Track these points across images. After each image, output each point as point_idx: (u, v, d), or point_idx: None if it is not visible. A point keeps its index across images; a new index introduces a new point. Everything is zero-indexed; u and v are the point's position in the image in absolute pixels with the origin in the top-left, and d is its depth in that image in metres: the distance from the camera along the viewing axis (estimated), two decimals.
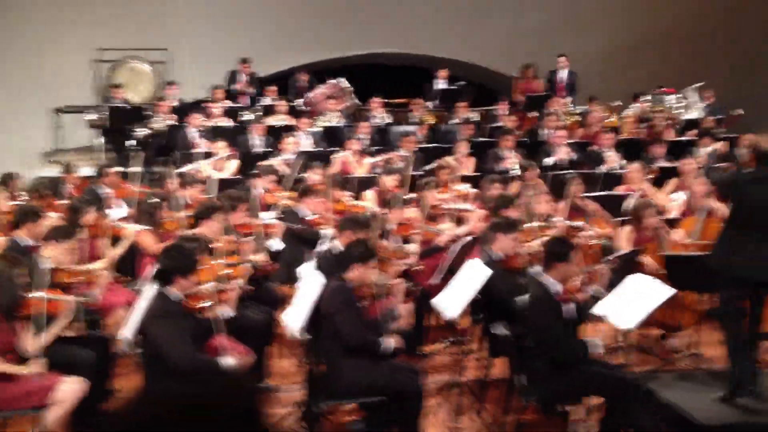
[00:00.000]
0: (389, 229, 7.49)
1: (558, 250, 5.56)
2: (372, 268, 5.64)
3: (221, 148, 10.73)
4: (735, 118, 13.63)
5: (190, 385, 1.40)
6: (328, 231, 7.74)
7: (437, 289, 6.57)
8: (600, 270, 6.36)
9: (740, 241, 5.78)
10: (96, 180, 9.74)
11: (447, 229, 8.25)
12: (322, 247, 7.11)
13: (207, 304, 5.40)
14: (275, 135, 11.88)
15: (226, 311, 5.57)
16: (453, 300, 6.07)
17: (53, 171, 11.77)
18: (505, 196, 8.06)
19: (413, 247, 7.66)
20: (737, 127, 12.92)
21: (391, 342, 5.50)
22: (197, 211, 7.06)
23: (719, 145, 11.57)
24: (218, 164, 10.71)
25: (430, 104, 14.55)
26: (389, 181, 9.18)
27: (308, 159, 10.64)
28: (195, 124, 11.99)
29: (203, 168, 10.17)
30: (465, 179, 10.28)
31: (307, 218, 8.00)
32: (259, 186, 9.29)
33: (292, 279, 7.58)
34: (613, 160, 11.30)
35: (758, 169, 5.83)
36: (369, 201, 9.13)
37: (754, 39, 16.97)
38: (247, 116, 13.10)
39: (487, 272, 5.95)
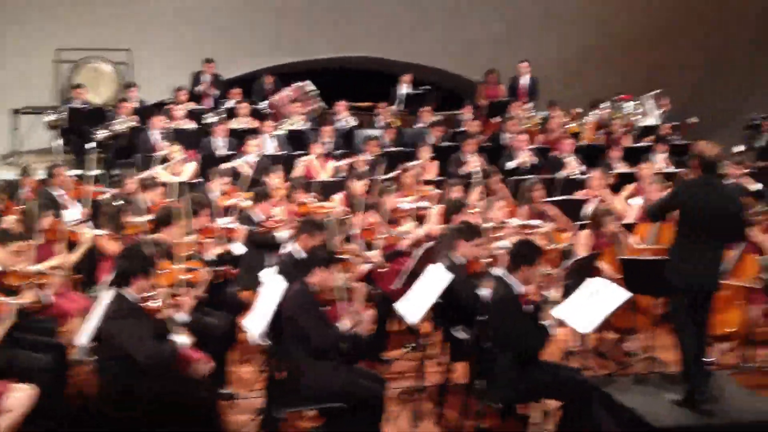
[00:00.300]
0: (353, 234, 7.51)
1: (526, 253, 5.63)
2: (334, 273, 5.66)
3: (176, 151, 10.64)
4: (690, 126, 13.84)
5: (150, 390, 1.41)
6: (284, 233, 7.77)
7: (399, 294, 6.60)
8: (556, 274, 6.45)
9: (684, 251, 5.88)
10: (48, 182, 9.60)
11: (408, 230, 8.28)
12: (284, 250, 7.12)
13: (158, 303, 5.40)
14: (239, 137, 11.84)
15: (182, 316, 5.56)
16: (415, 305, 6.10)
17: (10, 173, 11.62)
18: (456, 201, 8.11)
19: (375, 253, 7.68)
20: (692, 135, 13.12)
21: (347, 323, 5.50)
22: (157, 215, 7.02)
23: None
24: (174, 168, 10.63)
25: (394, 108, 14.59)
26: (358, 186, 9.19)
27: (271, 162, 10.63)
28: (157, 126, 11.90)
29: (159, 174, 10.09)
30: (428, 183, 10.35)
31: (261, 222, 7.99)
32: (215, 189, 9.28)
33: (252, 284, 7.59)
34: (573, 165, 11.42)
35: (702, 177, 5.93)
36: (336, 205, 9.16)
37: (708, 49, 17.22)
38: (211, 118, 13.03)
39: (449, 277, 5.99)
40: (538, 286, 5.89)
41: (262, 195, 8.19)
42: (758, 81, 17.54)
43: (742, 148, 12.83)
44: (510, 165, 11.44)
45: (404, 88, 15.11)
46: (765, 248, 7.45)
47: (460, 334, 5.96)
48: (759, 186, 10.20)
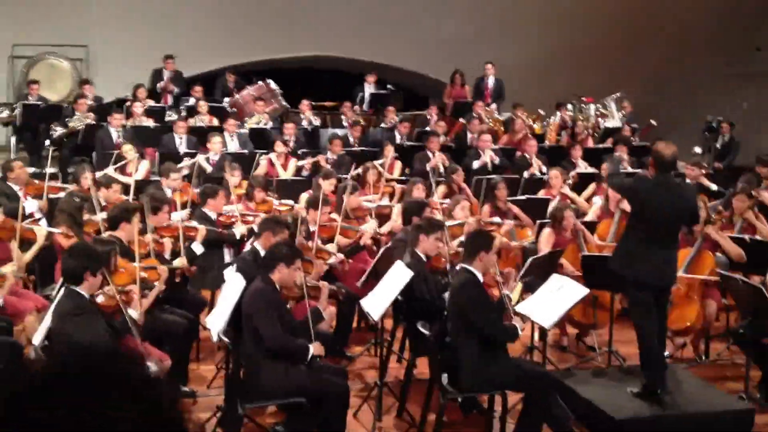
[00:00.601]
0: (312, 231, 7.50)
1: (481, 241, 5.69)
2: (297, 270, 5.64)
3: (127, 151, 10.53)
4: (649, 128, 14.03)
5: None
6: (239, 229, 7.76)
7: (363, 291, 6.61)
8: (509, 272, 6.52)
9: (640, 248, 5.94)
10: (3, 177, 9.42)
11: (368, 226, 8.28)
12: (246, 248, 7.09)
13: (110, 300, 5.35)
14: (200, 135, 11.77)
15: (133, 313, 5.52)
16: (377, 302, 6.11)
17: None
18: (417, 202, 8.09)
19: (333, 248, 7.69)
20: (652, 137, 13.29)
21: (314, 348, 5.49)
22: (113, 213, 6.93)
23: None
24: (127, 168, 10.52)
25: (358, 108, 14.62)
26: (326, 185, 9.17)
27: (232, 160, 10.58)
28: (115, 124, 11.78)
29: (111, 174, 9.96)
30: (391, 182, 10.37)
31: (212, 220, 7.94)
32: (166, 187, 9.22)
33: (210, 282, 7.56)
34: (536, 165, 11.52)
35: (657, 177, 6.00)
36: (303, 203, 9.14)
37: (668, 53, 17.45)
38: (172, 116, 12.93)
39: (409, 274, 6.01)
40: (496, 281, 5.96)
41: (211, 193, 8.11)
42: (715, 84, 17.81)
43: (699, 149, 13.04)
44: (475, 165, 11.51)
45: (369, 88, 15.13)
46: (722, 245, 7.55)
47: (423, 329, 5.97)
48: (716, 187, 10.35)
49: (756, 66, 17.29)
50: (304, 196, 9.28)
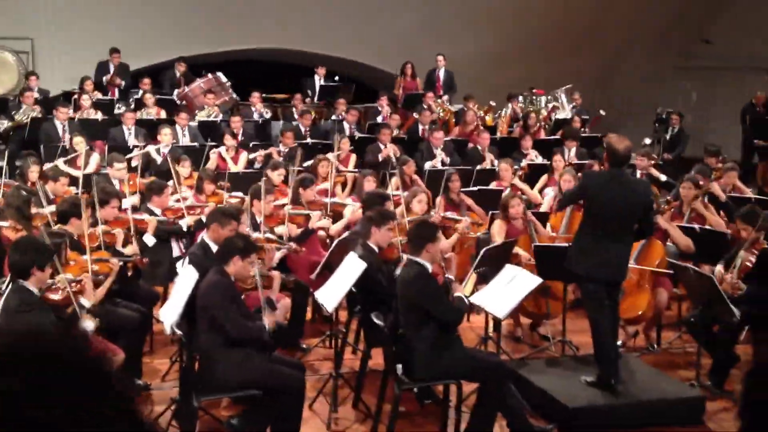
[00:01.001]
0: (259, 221, 7.43)
1: (426, 233, 5.67)
2: (252, 263, 5.61)
3: (78, 143, 10.35)
4: (597, 119, 14.19)
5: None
6: (185, 220, 7.69)
7: (317, 283, 6.58)
8: (450, 258, 6.56)
9: (593, 243, 6.00)
10: None
11: (316, 218, 8.24)
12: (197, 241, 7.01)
13: (60, 293, 5.26)
14: (149, 128, 11.62)
15: (85, 302, 5.43)
16: (332, 294, 6.10)
17: None
18: (379, 194, 8.07)
19: (283, 230, 7.67)
20: (601, 128, 13.45)
21: (267, 322, 5.46)
22: (63, 207, 6.81)
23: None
24: (77, 161, 10.35)
25: (309, 101, 14.55)
26: (275, 176, 9.11)
27: (182, 152, 10.47)
28: (61, 117, 11.57)
29: (61, 167, 9.79)
30: (344, 173, 10.34)
31: (158, 215, 7.84)
32: (113, 177, 9.09)
33: (161, 277, 7.48)
34: (488, 157, 11.57)
35: (610, 171, 6.05)
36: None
37: (617, 45, 17.66)
38: (120, 108, 12.74)
39: (363, 266, 6.00)
40: (441, 266, 5.99)
41: (156, 189, 8.01)
42: (665, 76, 18.09)
43: (649, 141, 13.22)
44: (427, 165, 11.47)
45: (319, 80, 15.07)
46: (671, 235, 7.66)
47: (377, 320, 5.96)
48: (665, 177, 10.50)
49: (705, 59, 17.58)
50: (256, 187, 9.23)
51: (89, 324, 5.25)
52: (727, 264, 6.69)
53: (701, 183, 8.56)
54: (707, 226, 7.91)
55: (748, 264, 6.56)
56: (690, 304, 7.57)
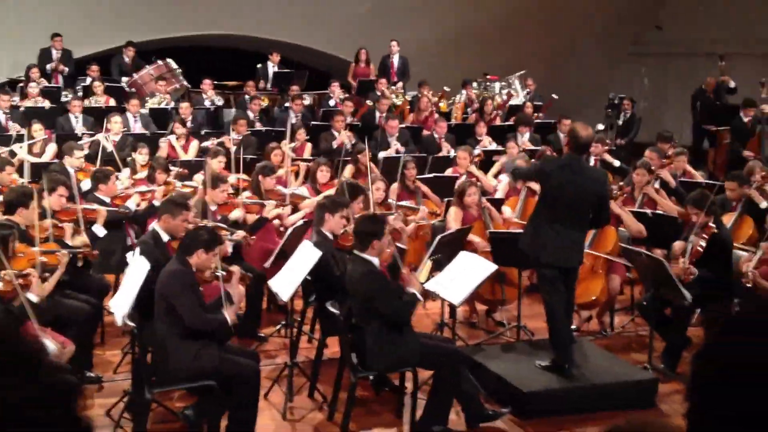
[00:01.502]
0: (212, 210, 7.35)
1: (372, 230, 5.63)
2: (215, 256, 5.54)
3: (37, 131, 10.14)
4: (550, 103, 14.26)
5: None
6: (132, 200, 7.62)
7: (272, 272, 6.53)
8: (401, 229, 6.55)
9: (548, 229, 6.02)
10: None
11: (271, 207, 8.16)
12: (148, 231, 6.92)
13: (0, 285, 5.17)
14: (97, 116, 11.42)
15: (32, 297, 5.33)
16: (286, 282, 6.05)
17: None
18: (353, 185, 7.96)
19: (238, 214, 7.61)
20: (552, 113, 13.51)
21: (228, 316, 5.42)
22: (9, 197, 6.66)
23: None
24: (34, 148, 10.16)
25: (262, 84, 14.42)
26: (215, 164, 9.03)
27: (133, 140, 10.32)
28: (3, 105, 11.33)
29: (18, 152, 9.61)
30: (297, 161, 10.26)
31: (107, 204, 7.73)
32: (69, 166, 8.94)
33: (112, 267, 7.37)
34: (443, 144, 11.57)
35: (568, 157, 6.06)
36: (198, 183, 8.96)
37: (570, 30, 17.76)
38: (67, 96, 12.51)
39: (317, 254, 5.96)
40: (389, 255, 5.99)
41: (102, 178, 7.88)
42: (618, 62, 18.25)
43: (602, 126, 13.32)
44: (382, 155, 11.44)
45: (272, 67, 14.94)
46: (624, 220, 7.72)
47: (332, 308, 5.93)
48: (618, 163, 10.59)
49: (657, 44, 17.76)
50: (199, 177, 9.14)
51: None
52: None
53: (653, 168, 8.65)
54: (659, 211, 8.00)
55: (699, 249, 6.64)
56: (642, 288, 7.65)
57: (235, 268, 6.09)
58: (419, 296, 5.63)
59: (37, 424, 1.17)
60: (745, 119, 12.19)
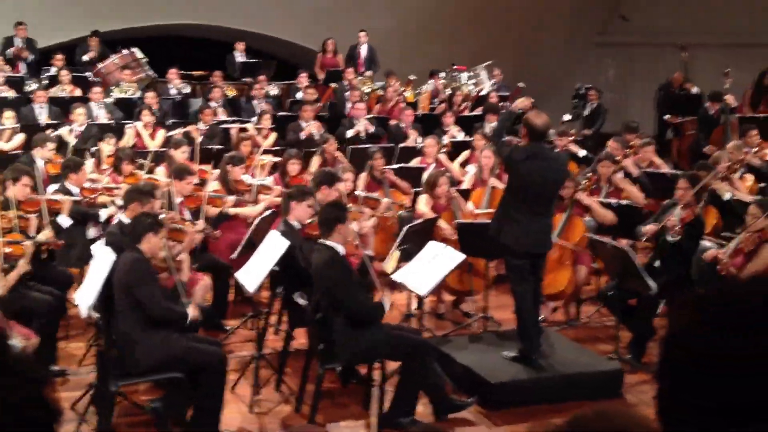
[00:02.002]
0: (177, 202, 7.27)
1: (335, 214, 5.64)
2: (163, 238, 5.49)
3: (8, 118, 9.98)
4: (517, 91, 14.28)
5: None
6: (107, 210, 7.50)
7: (239, 263, 6.49)
8: (366, 234, 6.56)
9: (517, 216, 6.04)
10: None
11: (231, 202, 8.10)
12: (114, 221, 6.84)
13: None
14: (63, 105, 11.26)
15: None
16: (253, 274, 6.01)
17: None
18: (329, 173, 7.90)
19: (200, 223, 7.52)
20: None
21: (191, 312, 5.38)
22: None
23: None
24: (3, 137, 10.01)
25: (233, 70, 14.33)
26: (179, 155, 8.94)
27: (98, 130, 10.18)
28: None
29: None
30: (265, 152, 10.19)
31: (75, 194, 7.63)
32: (39, 158, 8.81)
33: (75, 259, 7.28)
34: (410, 134, 11.57)
35: (531, 146, 6.09)
36: (160, 175, 8.88)
37: (535, 21, 17.79)
38: (31, 86, 12.32)
39: (285, 244, 5.92)
40: (355, 246, 5.97)
41: (73, 167, 7.78)
42: (584, 53, 18.33)
43: (569, 117, 13.38)
44: (349, 134, 11.46)
45: (239, 57, 14.83)
46: (593, 210, 7.73)
47: (300, 299, 5.91)
48: (584, 152, 10.65)
49: (622, 35, 17.87)
50: (161, 169, 9.06)
51: None
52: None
53: (617, 158, 8.72)
54: (623, 201, 8.06)
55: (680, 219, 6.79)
56: (609, 279, 7.71)
57: (184, 257, 6.04)
58: (386, 308, 5.61)
59: (8, 410, 1.16)
60: (711, 110, 12.30)
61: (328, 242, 5.56)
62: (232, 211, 7.96)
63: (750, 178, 8.97)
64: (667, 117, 13.76)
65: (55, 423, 1.27)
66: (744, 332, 1.10)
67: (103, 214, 7.56)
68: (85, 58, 13.81)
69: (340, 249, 5.58)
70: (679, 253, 6.76)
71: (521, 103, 6.61)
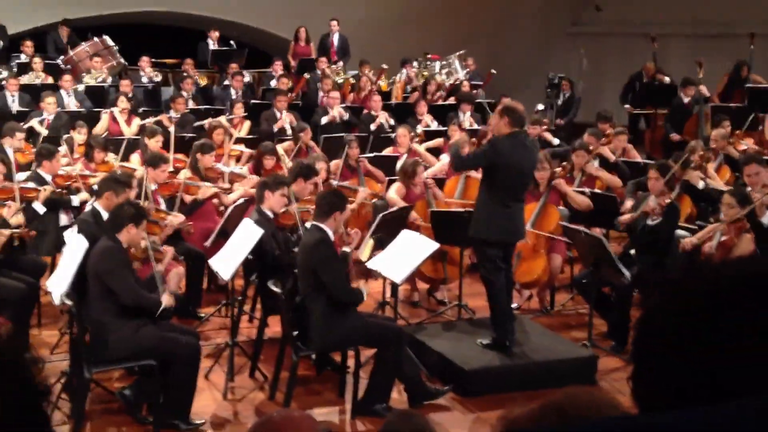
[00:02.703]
0: (151, 190, 7.20)
1: (336, 201, 5.68)
2: (144, 230, 5.46)
3: None
4: (490, 77, 14.30)
5: None
6: (81, 195, 7.43)
7: (212, 251, 6.46)
8: (356, 232, 6.58)
9: (502, 206, 6.06)
10: None
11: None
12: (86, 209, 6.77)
13: None
14: (33, 93, 11.12)
15: None
16: (227, 261, 5.99)
17: None
18: (308, 166, 7.83)
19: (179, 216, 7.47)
20: (492, 93, 13.57)
21: (165, 300, 5.35)
22: None
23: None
24: None
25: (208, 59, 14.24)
26: (152, 143, 8.87)
27: (69, 119, 10.07)
28: None
29: None
30: (239, 141, 10.14)
31: (48, 182, 7.55)
32: (8, 147, 8.71)
33: (47, 247, 7.21)
34: (385, 121, 11.56)
35: (514, 135, 6.07)
36: (135, 163, 8.80)
37: (510, 11, 17.83)
38: (3, 73, 12.16)
39: (259, 232, 5.90)
40: (343, 241, 5.98)
41: (47, 154, 7.70)
42: (558, 43, 18.38)
43: (542, 106, 13.43)
44: (323, 120, 11.42)
45: (211, 45, 14.72)
46: (570, 197, 7.72)
47: (274, 287, 5.89)
48: (557, 141, 10.70)
49: (594, 25, 17.94)
50: (136, 157, 8.99)
51: None
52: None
53: (591, 148, 8.77)
54: (597, 190, 8.12)
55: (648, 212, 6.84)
56: (582, 266, 7.75)
57: (168, 249, 6.02)
58: (364, 296, 5.62)
59: None
60: (685, 99, 12.37)
61: (322, 225, 5.55)
62: (211, 191, 7.88)
63: (727, 169, 9.09)
64: (627, 107, 13.83)
65: (44, 402, 1.26)
66: (712, 314, 1.11)
67: (76, 200, 7.49)
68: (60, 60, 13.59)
69: (331, 234, 5.58)
70: (654, 240, 6.80)
71: (464, 142, 6.61)
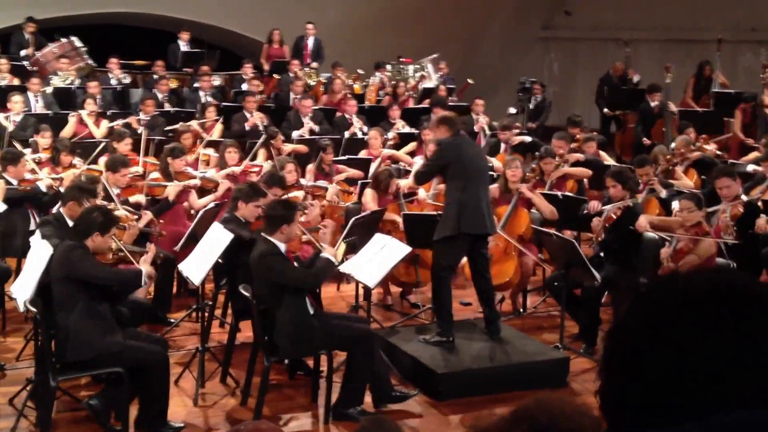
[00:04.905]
0: (114, 194, 7.11)
1: (282, 214, 5.55)
2: (112, 237, 5.37)
3: None
4: (465, 87, 14.34)
5: None
6: (44, 182, 7.37)
7: (182, 256, 6.39)
8: (326, 223, 6.57)
9: (471, 202, 6.15)
10: None
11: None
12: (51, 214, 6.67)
13: None
14: (2, 95, 10.96)
15: None
16: (198, 266, 5.92)
17: None
18: (278, 176, 7.78)
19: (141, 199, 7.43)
20: (469, 96, 13.59)
21: (145, 269, 5.30)
22: None
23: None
24: None
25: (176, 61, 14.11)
26: (122, 147, 8.78)
27: (36, 121, 9.93)
28: None
29: None
30: (210, 144, 10.05)
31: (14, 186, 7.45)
32: None
33: (14, 249, 7.10)
34: (358, 126, 11.53)
35: (460, 136, 6.37)
36: (102, 166, 8.69)
37: (482, 16, 17.87)
38: None
39: (229, 236, 5.84)
40: (301, 243, 5.93)
41: (11, 159, 7.58)
42: (529, 47, 18.47)
43: (514, 110, 13.46)
44: (295, 135, 11.29)
45: (182, 46, 14.59)
46: (536, 203, 7.79)
47: (245, 292, 5.83)
48: (530, 138, 10.73)
49: (565, 30, 18.05)
50: (104, 160, 8.89)
51: None
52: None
53: (561, 152, 8.81)
54: (569, 192, 8.14)
55: (612, 216, 6.86)
56: (554, 269, 7.76)
57: (151, 246, 5.92)
58: (334, 259, 5.60)
59: None
60: (652, 104, 12.48)
61: (270, 238, 5.49)
62: (174, 192, 7.79)
63: (694, 172, 9.17)
64: (606, 111, 13.90)
65: None
66: (684, 326, 1.10)
67: (42, 186, 7.39)
68: (23, 53, 13.40)
69: (281, 247, 5.50)
70: (621, 243, 6.83)
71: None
